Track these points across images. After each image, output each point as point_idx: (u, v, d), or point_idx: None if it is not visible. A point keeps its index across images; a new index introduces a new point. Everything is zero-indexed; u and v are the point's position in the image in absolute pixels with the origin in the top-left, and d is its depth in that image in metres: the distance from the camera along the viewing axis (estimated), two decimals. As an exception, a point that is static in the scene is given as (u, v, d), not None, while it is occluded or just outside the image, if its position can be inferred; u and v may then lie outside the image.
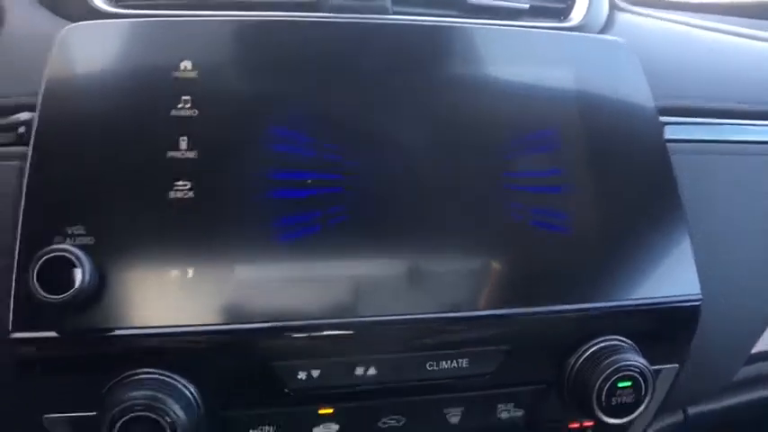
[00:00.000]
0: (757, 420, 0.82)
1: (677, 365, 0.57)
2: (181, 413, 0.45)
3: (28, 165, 0.49)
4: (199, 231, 0.48)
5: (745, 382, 0.70)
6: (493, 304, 0.51)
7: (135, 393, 0.45)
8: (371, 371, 0.50)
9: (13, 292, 0.46)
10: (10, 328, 0.46)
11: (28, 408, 0.48)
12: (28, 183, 0.48)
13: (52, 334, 0.46)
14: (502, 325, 0.51)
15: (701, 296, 0.55)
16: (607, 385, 0.51)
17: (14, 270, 0.46)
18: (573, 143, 0.56)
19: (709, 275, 0.57)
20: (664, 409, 0.64)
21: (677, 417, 0.69)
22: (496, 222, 0.53)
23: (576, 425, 0.57)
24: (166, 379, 0.46)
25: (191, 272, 0.48)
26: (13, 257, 0.47)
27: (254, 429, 0.50)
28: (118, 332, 0.46)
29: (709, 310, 0.57)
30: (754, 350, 0.68)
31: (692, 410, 0.70)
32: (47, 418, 0.48)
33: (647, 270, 0.55)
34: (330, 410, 0.51)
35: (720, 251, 0.61)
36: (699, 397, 0.67)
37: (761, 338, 0.68)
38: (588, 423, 0.57)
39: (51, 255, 0.44)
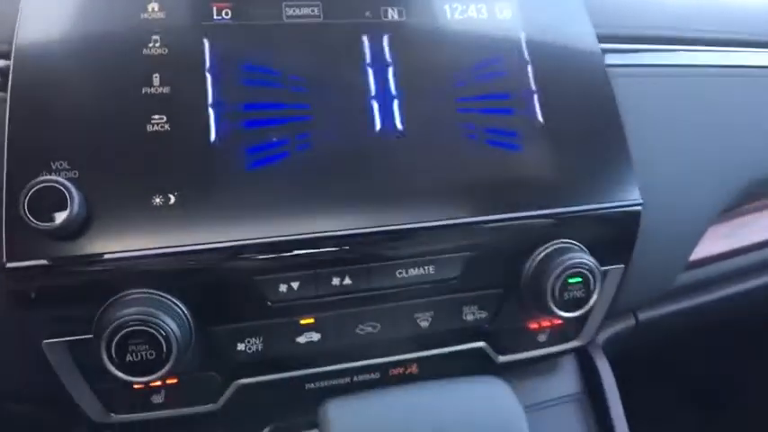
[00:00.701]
0: (705, 326, 0.90)
1: (623, 266, 0.63)
2: (174, 327, 0.49)
3: (8, 109, 0.51)
4: (177, 161, 0.52)
5: (687, 287, 0.76)
6: (455, 214, 0.56)
7: (128, 310, 0.49)
8: (347, 280, 0.54)
9: (4, 225, 0.49)
10: (4, 259, 0.49)
11: (27, 335, 0.51)
12: (10, 127, 0.51)
13: (44, 262, 0.49)
14: (463, 233, 0.56)
15: (640, 201, 0.61)
16: (559, 282, 0.57)
17: (3, 204, 0.49)
18: (519, 70, 0.61)
19: (650, 185, 0.63)
20: (615, 313, 0.70)
21: (629, 322, 0.76)
22: (455, 143, 0.57)
23: (534, 325, 0.63)
24: (157, 297, 0.50)
25: (172, 198, 0.51)
26: (1, 193, 0.50)
27: (241, 342, 0.54)
28: (107, 257, 0.50)
29: (649, 217, 0.63)
30: (692, 257, 0.75)
31: (642, 315, 0.77)
32: (46, 343, 0.51)
33: (591, 180, 0.60)
34: (311, 320, 0.55)
35: (659, 164, 0.66)
36: (646, 302, 0.74)
37: (698, 246, 0.75)
38: (545, 323, 0.63)
39: (41, 185, 0.47)
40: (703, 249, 0.77)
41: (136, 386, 0.54)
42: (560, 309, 0.58)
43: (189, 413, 0.57)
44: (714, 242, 0.78)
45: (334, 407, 0.45)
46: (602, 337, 0.73)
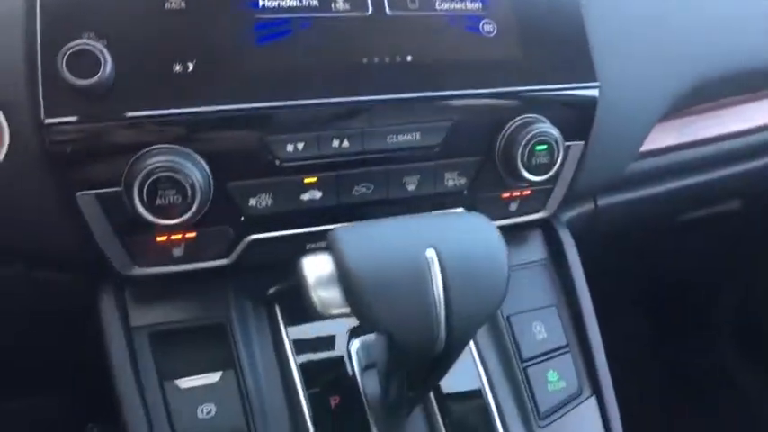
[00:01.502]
0: (656, 217, 1.00)
1: (582, 143, 0.72)
2: (198, 175, 0.56)
3: None
4: (193, 35, 0.59)
5: (640, 176, 0.86)
6: (438, 88, 0.64)
7: (158, 158, 0.56)
8: (345, 143, 0.62)
9: (41, 85, 0.55)
10: (42, 116, 0.55)
11: (62, 188, 0.58)
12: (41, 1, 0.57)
13: (79, 118, 0.55)
14: (444, 104, 0.64)
15: (597, 84, 0.70)
16: (528, 149, 0.65)
17: (39, 67, 0.55)
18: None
19: (607, 72, 0.71)
20: (576, 195, 0.79)
21: (589, 205, 0.85)
22: (441, 29, 0.65)
23: (506, 195, 0.71)
24: (182, 150, 0.57)
25: (191, 66, 0.58)
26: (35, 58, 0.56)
27: (253, 197, 0.62)
28: (134, 114, 0.56)
29: (605, 101, 0.72)
30: (644, 148, 0.85)
31: (600, 201, 0.86)
32: (79, 195, 0.58)
33: (555, 64, 0.69)
34: (314, 179, 0.63)
35: (616, 53, 0.75)
36: (604, 186, 0.83)
37: (649, 139, 0.85)
38: (516, 193, 0.72)
39: (78, 47, 0.53)
40: (654, 142, 0.87)
41: (159, 238, 0.62)
42: (529, 173, 0.66)
43: (204, 267, 0.65)
44: (665, 136, 0.88)
45: (340, 229, 0.52)
46: (565, 216, 0.82)
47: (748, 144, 0.95)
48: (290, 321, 0.67)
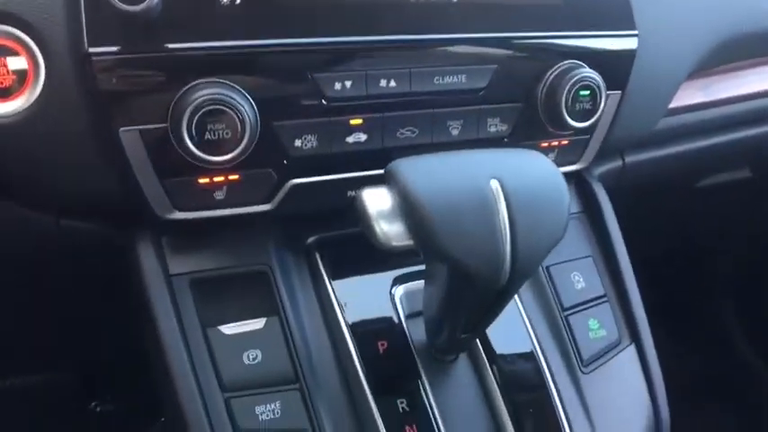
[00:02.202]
0: (684, 173, 1.01)
1: (620, 92, 0.72)
2: (248, 110, 0.55)
3: None
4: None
5: (668, 133, 0.86)
6: (485, 29, 0.63)
7: (205, 91, 0.54)
8: (392, 83, 0.61)
9: (84, 12, 0.53)
10: (85, 45, 0.53)
11: (105, 123, 0.56)
12: None
13: (125, 47, 0.53)
14: (492, 46, 0.63)
15: (637, 32, 0.70)
16: (572, 93, 0.65)
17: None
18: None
19: (646, 18, 0.71)
20: (608, 149, 0.79)
21: (617, 162, 0.85)
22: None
23: (545, 144, 0.71)
24: (229, 84, 0.56)
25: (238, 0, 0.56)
26: None
27: (298, 138, 0.60)
28: (180, 46, 0.54)
29: (640, 55, 0.72)
30: (672, 105, 0.85)
31: (628, 158, 0.86)
32: (122, 131, 0.56)
33: (596, 11, 0.68)
34: (360, 121, 0.61)
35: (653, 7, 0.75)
36: (635, 141, 0.83)
37: (677, 97, 0.85)
38: (555, 143, 0.72)
39: None
40: (680, 99, 0.87)
41: (201, 180, 0.60)
42: (572, 118, 0.66)
43: (245, 213, 0.63)
44: (691, 94, 0.88)
45: (400, 160, 0.51)
46: (597, 171, 0.82)
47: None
48: (332, 271, 0.66)
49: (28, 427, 1.43)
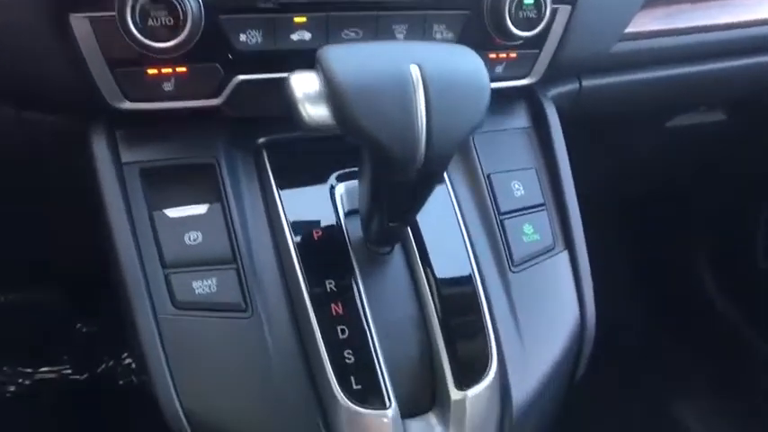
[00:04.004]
0: (649, 108, 1.02)
1: (570, 7, 0.73)
2: (194, 3, 0.57)
3: None
4: None
5: (624, 59, 0.87)
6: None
7: None
8: (337, -19, 0.63)
9: None
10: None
11: (55, 10, 0.58)
12: None
13: None
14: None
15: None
16: (515, 1, 0.67)
17: None
18: None
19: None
20: (561, 68, 0.81)
21: (574, 85, 0.87)
22: None
23: (493, 55, 0.73)
24: None
25: None
26: None
27: (243, 33, 0.63)
28: None
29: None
30: (631, 29, 0.86)
31: (585, 82, 0.88)
32: (72, 17, 0.59)
33: None
34: (304, 19, 0.64)
35: None
36: (589, 64, 0.84)
37: (635, 22, 0.86)
38: (503, 55, 0.73)
39: None
40: (641, 26, 0.88)
41: (149, 71, 0.63)
42: (517, 27, 0.68)
43: (194, 106, 0.66)
44: (652, 20, 0.89)
45: (328, 46, 0.54)
46: (551, 92, 0.84)
47: (734, 38, 0.96)
48: (277, 167, 0.69)
49: (11, 346, 1.50)
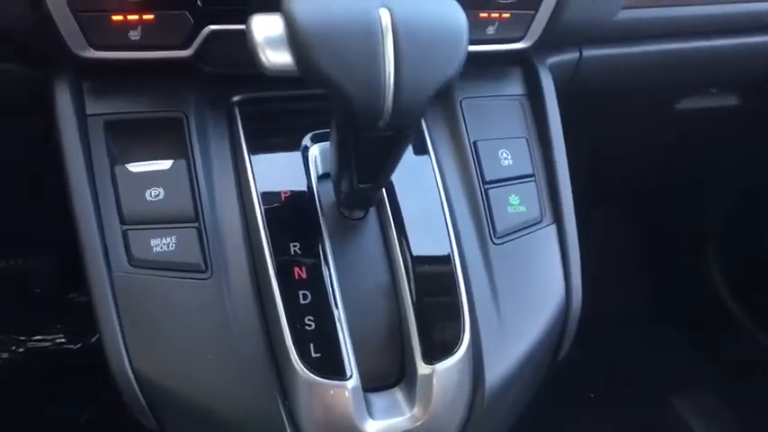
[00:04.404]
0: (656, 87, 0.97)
1: None
2: None
3: None
4: None
5: (629, 27, 0.82)
6: None
7: None
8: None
9: None
10: None
11: None
12: None
13: None
14: None
15: None
16: None
17: None
18: None
19: None
20: (560, 34, 0.76)
21: (573, 54, 0.83)
22: None
23: (484, 14, 0.68)
24: None
25: None
26: None
27: (213, -22, 0.59)
28: None
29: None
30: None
31: (586, 52, 0.83)
32: None
33: None
34: None
35: None
36: (589, 36, 0.80)
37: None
38: (494, 14, 0.69)
39: None
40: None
41: (114, 17, 0.60)
42: None
43: (163, 57, 0.63)
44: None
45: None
46: (549, 60, 0.79)
47: (750, 12, 0.91)
48: (249, 126, 0.66)
49: (4, 315, 1.49)
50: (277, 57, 0.49)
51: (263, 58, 0.49)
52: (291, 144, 0.65)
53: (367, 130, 0.50)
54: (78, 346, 1.56)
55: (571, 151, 0.76)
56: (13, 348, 1.52)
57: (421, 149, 0.68)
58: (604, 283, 1.59)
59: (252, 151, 0.64)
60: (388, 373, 0.62)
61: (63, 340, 1.55)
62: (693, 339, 1.54)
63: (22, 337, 1.53)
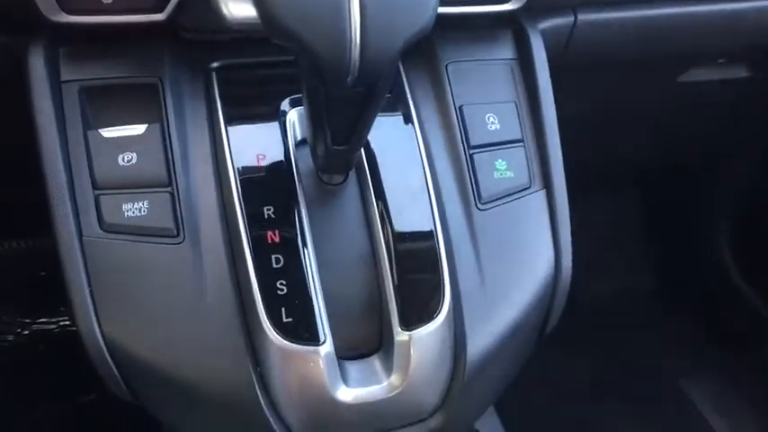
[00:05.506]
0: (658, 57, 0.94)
1: None
2: None
3: None
4: None
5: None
6: None
7: None
8: None
9: None
10: None
11: None
12: None
13: None
14: None
15: None
16: None
17: None
18: None
19: None
20: (553, 4, 0.74)
21: (567, 18, 0.80)
22: None
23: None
24: None
25: None
26: None
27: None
28: None
29: None
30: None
31: (581, 16, 0.80)
32: None
33: None
34: None
35: None
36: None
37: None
38: (481, -26, 0.67)
39: None
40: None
41: (86, -21, 0.58)
42: None
43: (138, 22, 0.61)
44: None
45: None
46: (541, 25, 0.76)
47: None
48: (226, 91, 0.64)
49: (9, 296, 1.50)
50: (239, 9, 0.47)
51: (225, 11, 0.47)
52: (269, 109, 0.63)
53: (336, 88, 0.48)
54: (83, 328, 1.57)
55: (569, 128, 0.74)
56: (18, 331, 1.53)
57: (403, 114, 0.66)
58: (611, 265, 1.56)
59: (228, 116, 0.62)
60: (366, 342, 0.60)
61: (67, 323, 1.56)
62: (702, 320, 1.50)
63: (27, 320, 1.54)
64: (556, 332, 0.72)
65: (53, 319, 1.54)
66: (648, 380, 1.43)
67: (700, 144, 1.39)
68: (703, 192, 1.51)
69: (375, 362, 0.59)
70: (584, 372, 1.45)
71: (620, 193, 1.58)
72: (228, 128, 0.61)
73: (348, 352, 0.58)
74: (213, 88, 0.64)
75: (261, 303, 0.55)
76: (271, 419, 0.56)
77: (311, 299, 0.56)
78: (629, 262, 1.61)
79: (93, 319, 0.56)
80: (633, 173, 1.49)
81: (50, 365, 1.49)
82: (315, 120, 0.54)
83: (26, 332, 1.53)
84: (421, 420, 0.60)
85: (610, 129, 1.24)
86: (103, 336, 0.56)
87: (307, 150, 0.62)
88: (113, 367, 0.57)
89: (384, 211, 0.61)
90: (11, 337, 1.52)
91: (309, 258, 0.58)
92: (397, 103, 0.66)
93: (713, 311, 1.52)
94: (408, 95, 0.67)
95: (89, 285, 0.56)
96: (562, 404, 1.34)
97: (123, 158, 0.59)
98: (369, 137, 0.63)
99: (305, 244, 0.58)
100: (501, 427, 0.78)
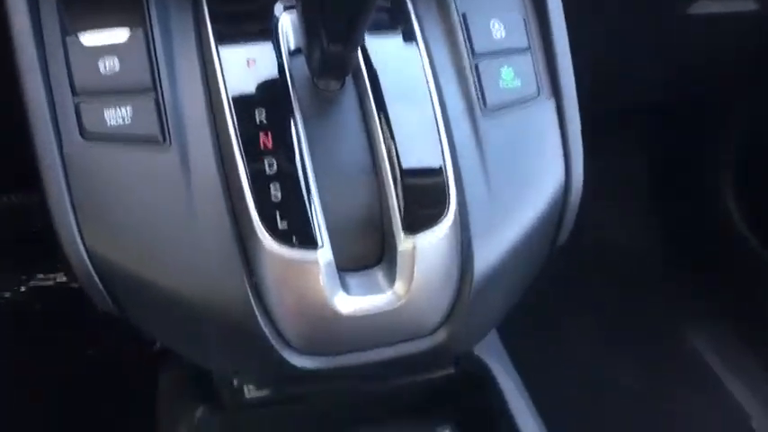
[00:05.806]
0: None
1: None
2: None
3: None
4: None
5: None
6: None
7: None
8: None
9: None
10: None
11: None
12: None
13: None
14: None
15: None
16: None
17: None
18: None
19: None
20: None
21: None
22: None
23: None
24: None
25: None
26: None
27: None
28: None
29: None
30: None
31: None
32: None
33: None
34: None
35: None
36: None
37: None
38: None
39: None
40: None
41: None
42: None
43: None
44: None
45: None
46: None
47: None
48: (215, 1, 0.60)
49: (4, 252, 1.47)
50: None
51: None
52: (260, 13, 0.60)
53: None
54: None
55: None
56: (15, 288, 1.51)
57: (403, 21, 0.62)
58: (614, 214, 1.53)
59: (216, 18, 0.58)
60: (367, 254, 0.57)
61: (64, 279, 1.53)
62: (707, 270, 1.48)
63: (24, 276, 1.51)
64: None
65: (50, 275, 1.52)
66: (653, 329, 1.41)
67: (702, 82, 1.34)
68: (706, 137, 1.47)
69: (377, 272, 0.56)
70: (588, 320, 1.43)
71: (622, 143, 1.54)
72: (216, 31, 0.57)
73: (348, 264, 0.55)
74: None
75: (253, 209, 0.52)
76: (266, 332, 0.54)
77: (308, 204, 0.53)
78: (631, 208, 1.58)
79: (75, 229, 0.53)
80: (633, 108, 1.44)
81: (49, 321, 1.47)
82: (306, 14, 0.50)
83: (23, 288, 1.50)
84: (422, 336, 0.58)
85: (609, 63, 1.20)
86: (86, 247, 0.53)
87: (301, 59, 0.58)
88: (97, 281, 0.54)
89: (384, 118, 0.57)
90: (8, 294, 1.50)
91: (305, 163, 0.54)
92: (396, 11, 0.62)
93: (717, 260, 1.49)
94: (409, 3, 0.64)
95: (70, 195, 0.53)
96: (564, 345, 1.32)
97: (104, 63, 0.55)
98: (366, 44, 0.59)
99: (300, 148, 0.54)
100: (505, 354, 0.76)
